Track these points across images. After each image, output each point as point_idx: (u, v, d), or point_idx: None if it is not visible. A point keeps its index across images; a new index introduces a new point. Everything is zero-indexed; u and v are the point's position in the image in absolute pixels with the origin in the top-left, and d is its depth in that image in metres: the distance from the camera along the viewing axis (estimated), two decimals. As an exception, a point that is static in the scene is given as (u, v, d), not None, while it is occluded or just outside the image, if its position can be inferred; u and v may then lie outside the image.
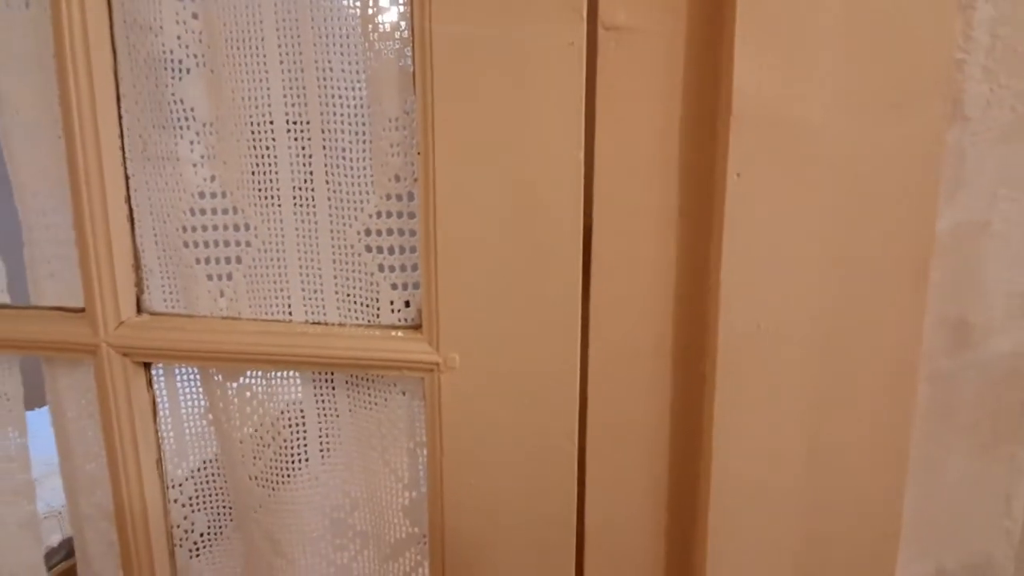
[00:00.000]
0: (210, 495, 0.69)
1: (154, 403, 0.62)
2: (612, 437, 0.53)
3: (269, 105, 0.59)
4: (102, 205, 0.56)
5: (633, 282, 0.49)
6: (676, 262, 0.48)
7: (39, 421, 0.74)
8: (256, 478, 0.66)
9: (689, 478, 0.51)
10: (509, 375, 0.54)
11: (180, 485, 0.68)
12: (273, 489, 0.66)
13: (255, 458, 0.66)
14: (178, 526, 0.68)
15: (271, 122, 0.60)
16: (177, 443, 0.66)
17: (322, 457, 0.66)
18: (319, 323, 0.61)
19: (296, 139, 0.60)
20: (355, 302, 0.61)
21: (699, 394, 0.49)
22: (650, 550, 0.55)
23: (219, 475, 0.69)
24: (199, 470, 0.68)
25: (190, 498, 0.69)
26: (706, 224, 0.46)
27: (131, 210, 0.59)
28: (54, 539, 1.99)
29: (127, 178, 0.58)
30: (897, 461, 0.44)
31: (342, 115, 0.59)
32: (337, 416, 0.65)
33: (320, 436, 0.65)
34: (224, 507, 0.70)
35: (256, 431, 0.65)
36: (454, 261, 0.53)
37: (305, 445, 0.65)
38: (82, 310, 0.59)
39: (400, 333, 0.57)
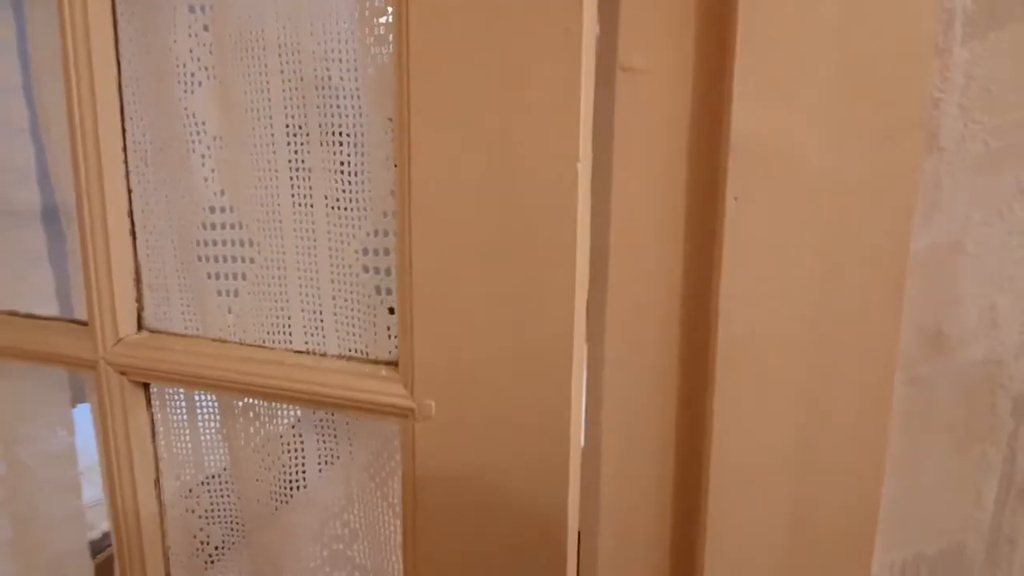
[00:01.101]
0: (217, 512, 0.68)
1: (152, 423, 0.61)
2: (624, 451, 0.52)
3: (271, 117, 0.57)
4: (102, 218, 0.56)
5: (645, 293, 0.51)
6: (683, 275, 0.51)
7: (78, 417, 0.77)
8: (259, 501, 0.64)
9: (694, 470, 0.53)
10: (492, 424, 0.47)
11: (197, 497, 0.68)
12: (273, 513, 0.64)
13: (258, 480, 0.64)
14: (194, 536, 0.68)
15: (272, 135, 0.57)
16: (185, 457, 0.66)
17: (320, 484, 0.62)
18: (304, 352, 0.57)
19: (296, 152, 0.57)
20: (353, 324, 0.58)
21: (703, 393, 0.51)
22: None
23: (229, 491, 0.68)
24: (205, 485, 0.67)
25: (205, 511, 0.68)
26: (709, 242, 0.49)
27: (133, 224, 0.59)
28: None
29: (129, 191, 0.58)
30: (875, 454, 0.48)
31: (339, 126, 0.55)
32: (336, 442, 0.62)
33: (318, 463, 0.62)
34: (236, 523, 0.69)
35: (257, 452, 0.63)
36: (432, 294, 0.47)
37: (304, 471, 0.62)
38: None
39: (384, 371, 0.52)
